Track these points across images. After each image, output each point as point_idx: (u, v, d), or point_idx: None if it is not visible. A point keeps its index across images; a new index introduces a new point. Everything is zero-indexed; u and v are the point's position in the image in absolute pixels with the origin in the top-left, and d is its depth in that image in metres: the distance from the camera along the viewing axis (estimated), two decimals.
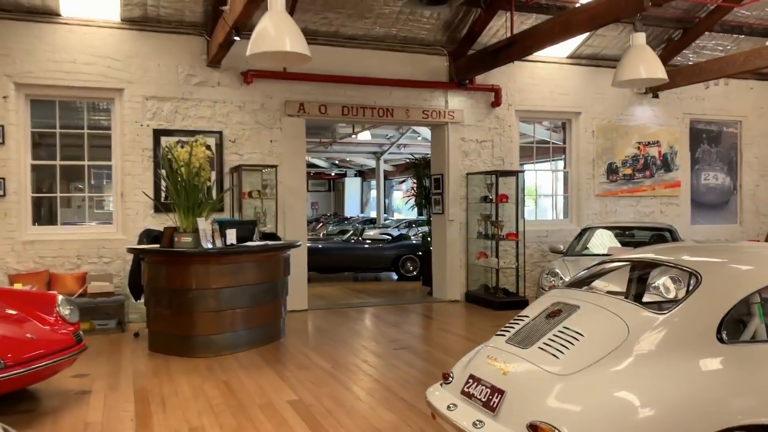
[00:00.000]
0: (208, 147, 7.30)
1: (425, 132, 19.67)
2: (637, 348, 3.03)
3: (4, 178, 7.71)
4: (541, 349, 3.17)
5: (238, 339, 6.63)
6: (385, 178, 30.05)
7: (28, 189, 8.03)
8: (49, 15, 7.88)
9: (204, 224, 6.30)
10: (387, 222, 24.17)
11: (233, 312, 6.58)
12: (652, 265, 4.19)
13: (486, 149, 10.16)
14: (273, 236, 7.70)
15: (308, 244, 13.12)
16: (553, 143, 11.47)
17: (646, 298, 4.33)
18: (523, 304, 9.14)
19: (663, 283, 6.38)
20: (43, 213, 8.98)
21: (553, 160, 12.00)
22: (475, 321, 8.38)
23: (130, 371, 5.86)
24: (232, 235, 6.56)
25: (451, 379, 3.50)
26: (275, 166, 8.65)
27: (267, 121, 8.93)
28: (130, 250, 6.95)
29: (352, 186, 33.82)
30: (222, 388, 5.29)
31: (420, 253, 12.57)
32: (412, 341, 7.12)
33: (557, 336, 3.20)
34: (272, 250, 6.94)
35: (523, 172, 9.85)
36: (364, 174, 33.71)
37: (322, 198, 35.23)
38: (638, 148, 11.13)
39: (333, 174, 34.14)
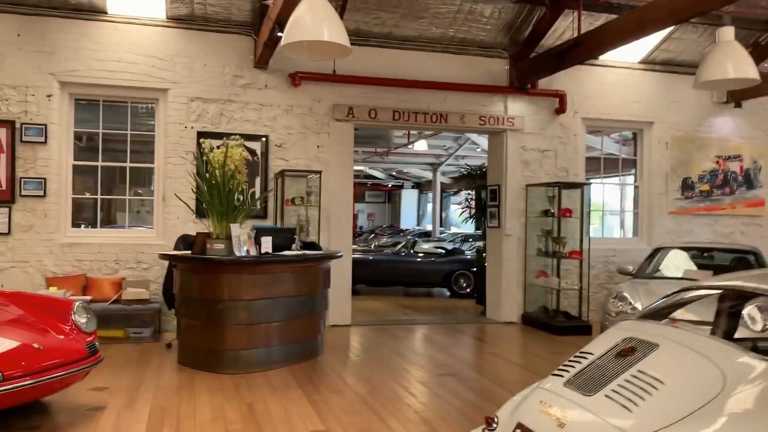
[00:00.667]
0: (248, 149, 6.92)
1: (485, 143, 19.00)
2: (734, 403, 2.36)
3: (45, 179, 7.54)
4: (609, 397, 2.53)
5: (270, 355, 6.16)
6: (442, 190, 29.40)
7: (69, 190, 7.84)
8: (96, 12, 7.70)
9: (237, 230, 5.87)
10: (442, 235, 23.50)
11: (266, 326, 6.13)
12: (746, 295, 3.46)
13: (548, 159, 9.44)
14: (314, 246, 7.23)
15: (357, 255, 12.67)
16: (622, 157, 10.62)
17: (738, 335, 3.60)
18: (586, 329, 8.39)
19: (748, 313, 5.57)
20: (87, 215, 8.83)
21: (621, 175, 11.13)
22: (532, 346, 7.65)
23: (152, 386, 5.46)
24: (267, 243, 6.12)
25: (495, 425, 2.89)
26: (319, 172, 8.20)
27: (314, 125, 8.51)
28: (163, 257, 6.60)
29: (408, 198, 33.31)
30: (244, 410, 4.80)
31: (474, 269, 11.89)
32: (460, 367, 6.48)
33: (630, 382, 2.56)
34: (310, 260, 6.46)
35: (588, 184, 9.07)
36: (421, 186, 33.14)
37: (379, 210, 34.86)
38: (717, 162, 10.16)
39: (390, 185, 33.73)
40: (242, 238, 5.98)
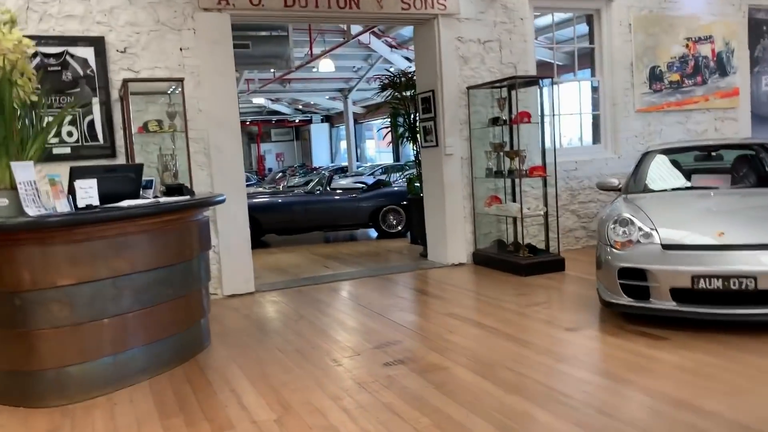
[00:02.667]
0: (75, 58, 4.41)
1: (400, 62, 16.72)
2: None
3: None
4: None
5: (121, 367, 3.89)
6: (356, 121, 27.09)
7: None
8: None
9: (26, 173, 3.45)
10: (360, 169, 21.35)
11: (107, 323, 3.83)
12: None
13: (492, 53, 7.34)
14: (181, 190, 4.88)
15: (263, 199, 10.35)
16: (577, 48, 8.66)
17: None
18: (558, 264, 6.58)
19: None
20: None
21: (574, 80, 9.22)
22: (496, 296, 5.72)
23: None
24: (89, 191, 3.74)
25: None
26: (180, 80, 5.74)
27: (173, 19, 5.99)
28: None
29: (319, 133, 30.79)
30: None
31: (405, 202, 9.85)
32: (412, 344, 4.45)
33: None
34: (170, 212, 4.12)
35: (550, 77, 7.03)
36: (332, 119, 30.66)
37: (288, 148, 32.19)
38: (687, 46, 8.40)
39: (297, 120, 31.02)
40: (42, 187, 3.57)
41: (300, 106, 29.04)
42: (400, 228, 10.20)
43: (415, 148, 8.23)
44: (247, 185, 17.03)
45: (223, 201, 4.73)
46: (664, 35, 8.23)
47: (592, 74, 8.28)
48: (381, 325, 4.96)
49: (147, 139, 5.98)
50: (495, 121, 7.08)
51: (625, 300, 4.49)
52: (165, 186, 5.06)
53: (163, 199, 4.12)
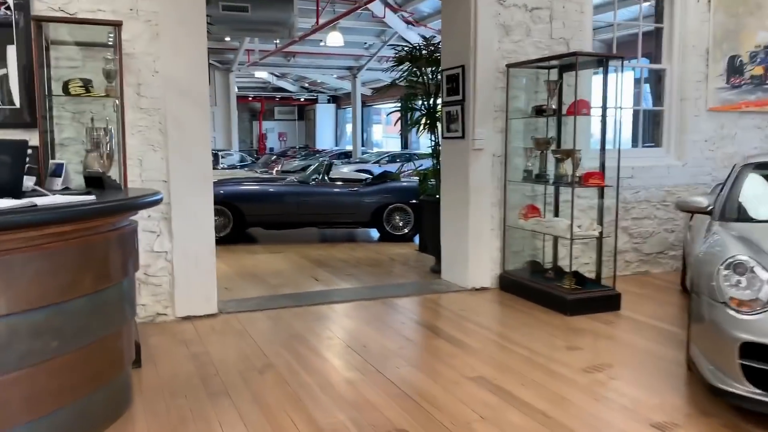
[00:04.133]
0: None
1: (416, 41, 15.11)
2: None
3: None
4: None
5: None
6: (363, 104, 25.50)
7: None
8: None
9: None
10: (365, 156, 19.82)
11: None
12: None
13: (540, 23, 5.79)
14: (101, 182, 3.36)
15: (250, 187, 8.85)
16: (642, 29, 7.08)
17: None
18: (611, 302, 5.08)
19: None
20: None
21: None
22: (541, 348, 4.21)
23: None
24: None
25: None
26: (116, 24, 4.17)
27: None
28: None
29: (324, 114, 29.19)
30: None
31: (415, 201, 8.34)
32: (418, 417, 2.96)
33: None
34: (54, 222, 2.60)
35: (620, 58, 5.44)
36: (339, 100, 29.04)
37: (292, 128, 30.59)
38: None
39: (302, 99, 29.41)
40: None
41: (306, 84, 27.43)
42: (406, 230, 8.69)
43: (433, 139, 6.68)
44: (241, 166, 15.53)
45: (155, 203, 3.21)
46: (750, 18, 6.66)
47: (654, 59, 6.72)
48: (379, 391, 3.46)
49: (83, 106, 4.46)
50: (540, 110, 5.54)
51: (749, 390, 2.99)
52: (86, 176, 3.55)
53: (44, 200, 2.60)
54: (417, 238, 8.37)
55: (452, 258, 6.02)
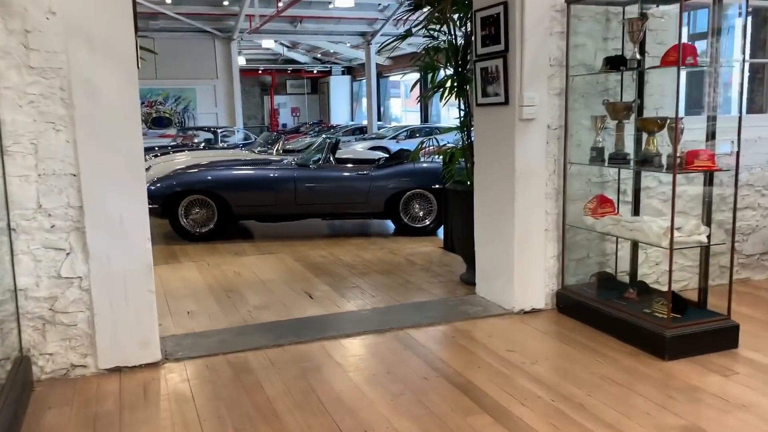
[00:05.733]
0: None
1: None
2: None
3: None
4: None
5: None
6: (380, 75, 23.78)
7: None
8: None
9: None
10: (381, 131, 18.17)
11: None
12: None
13: None
14: None
15: (236, 172, 7.36)
16: None
17: None
18: (730, 338, 3.48)
19: None
20: None
21: None
22: (629, 426, 2.66)
23: None
24: None
25: None
26: None
27: None
28: None
29: (338, 86, 27.50)
30: None
31: (438, 186, 6.77)
32: None
33: None
34: None
35: None
36: (354, 72, 27.32)
37: (304, 102, 28.96)
38: None
39: (315, 71, 27.72)
40: None
41: (318, 55, 25.74)
42: (428, 222, 7.13)
43: (462, 107, 5.06)
44: (244, 146, 13.99)
45: None
46: None
47: None
48: None
49: None
50: (617, 62, 3.91)
51: None
52: None
53: None
54: (441, 232, 6.81)
55: (491, 267, 4.46)
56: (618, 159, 3.92)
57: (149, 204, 6.95)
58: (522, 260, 4.20)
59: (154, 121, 16.74)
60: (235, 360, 3.53)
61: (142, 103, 16.58)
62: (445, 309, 4.36)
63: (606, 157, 3.99)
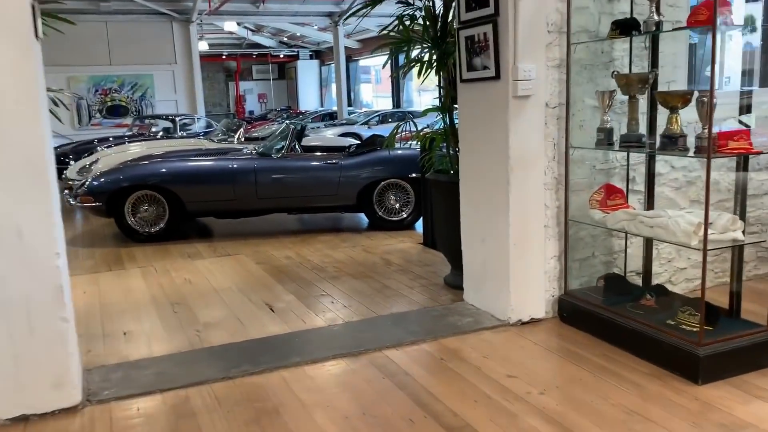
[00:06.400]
0: None
1: None
2: None
3: None
4: None
5: None
6: (349, 59, 22.99)
7: None
8: None
9: None
10: (352, 116, 17.43)
11: None
12: None
13: None
14: None
15: (189, 164, 6.62)
16: None
17: None
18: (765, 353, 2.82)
19: None
20: None
21: None
22: None
23: None
24: None
25: None
26: None
27: None
28: None
29: (306, 71, 26.58)
30: None
31: (416, 175, 6.13)
32: None
33: None
34: None
35: None
36: (322, 56, 26.44)
37: (272, 88, 27.99)
38: None
39: (282, 56, 26.76)
40: None
41: (285, 39, 24.80)
42: (405, 215, 6.48)
43: (441, 85, 4.39)
44: (205, 134, 13.15)
45: None
46: None
47: None
48: None
49: None
50: (628, 26, 3.28)
51: None
52: None
53: None
54: (420, 226, 6.17)
55: (481, 270, 3.83)
56: (631, 141, 3.31)
57: (91, 202, 6.24)
58: (518, 262, 3.58)
59: (110, 110, 15.72)
60: (173, 400, 2.85)
61: (96, 90, 15.57)
62: (430, 321, 3.72)
63: (616, 139, 3.38)
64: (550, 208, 3.62)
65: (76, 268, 5.36)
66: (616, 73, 3.38)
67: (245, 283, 4.71)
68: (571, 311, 3.58)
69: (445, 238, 4.46)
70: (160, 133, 12.29)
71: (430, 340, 3.44)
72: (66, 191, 6.75)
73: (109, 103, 15.71)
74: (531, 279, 3.62)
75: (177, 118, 12.57)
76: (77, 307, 4.30)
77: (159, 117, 13.22)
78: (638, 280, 3.78)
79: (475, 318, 3.70)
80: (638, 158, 3.74)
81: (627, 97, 3.33)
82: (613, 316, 3.31)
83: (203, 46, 21.99)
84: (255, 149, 6.92)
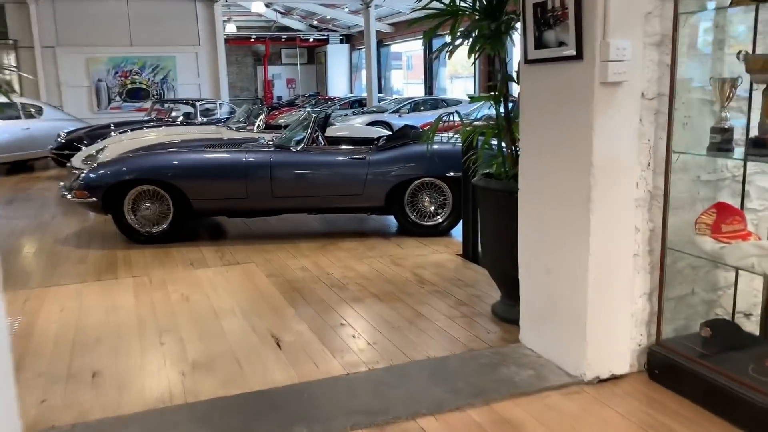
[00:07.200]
0: None
1: None
2: None
3: None
4: None
5: None
6: (380, 43, 22.09)
7: None
8: None
9: None
10: (382, 104, 16.56)
11: None
12: None
13: None
14: None
15: (195, 156, 5.86)
16: None
17: None
18: None
19: None
20: None
21: None
22: None
23: None
24: None
25: None
26: None
27: None
28: None
29: (337, 56, 25.75)
30: None
31: (454, 174, 5.28)
32: None
33: None
34: None
35: None
36: (353, 39, 25.56)
37: (301, 73, 27.23)
38: None
39: (312, 40, 25.94)
40: None
41: (315, 22, 23.98)
42: (440, 219, 5.63)
43: (497, 68, 3.52)
44: (223, 122, 12.40)
45: None
46: None
47: None
48: None
49: None
50: None
51: None
52: None
53: None
54: (458, 232, 5.31)
55: (546, 307, 2.98)
56: (761, 145, 2.42)
57: (86, 197, 5.49)
58: (598, 301, 2.73)
59: (129, 93, 15.09)
60: None
61: (116, 72, 14.94)
62: (478, 373, 2.89)
63: (743, 143, 2.50)
64: (641, 231, 2.76)
65: (63, 275, 4.67)
66: (744, 53, 2.49)
67: (251, 305, 3.93)
68: (666, 367, 2.72)
69: (494, 258, 3.62)
70: (180, 119, 11.60)
71: (480, 404, 2.61)
72: (61, 183, 6.06)
73: (130, 86, 15.09)
74: (614, 324, 2.77)
75: (198, 103, 11.85)
76: (49, 330, 3.59)
77: (179, 101, 12.53)
78: (748, 325, 2.92)
79: (537, 371, 2.86)
80: (755, 167, 2.85)
81: (763, 85, 2.44)
82: (728, 383, 2.44)
83: (231, 28, 21.31)
84: (272, 140, 6.13)
